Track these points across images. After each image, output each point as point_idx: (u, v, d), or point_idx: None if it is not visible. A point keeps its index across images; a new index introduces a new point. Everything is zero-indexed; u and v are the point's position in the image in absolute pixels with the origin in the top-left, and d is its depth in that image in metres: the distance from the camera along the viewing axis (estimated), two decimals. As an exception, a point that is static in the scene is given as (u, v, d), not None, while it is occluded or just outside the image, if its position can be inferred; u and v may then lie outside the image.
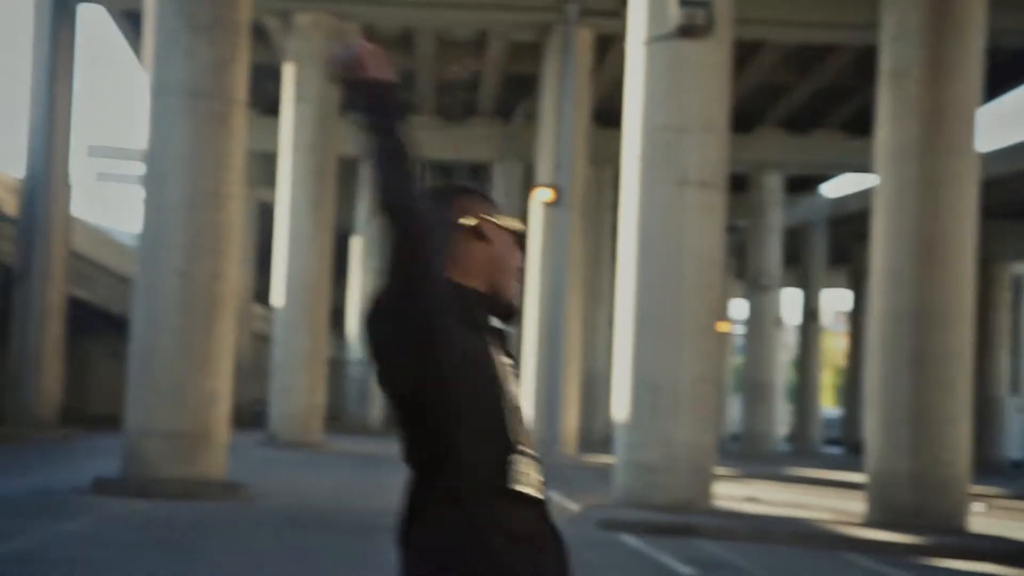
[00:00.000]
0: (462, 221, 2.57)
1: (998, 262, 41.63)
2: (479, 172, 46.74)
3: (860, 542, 14.65)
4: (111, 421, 30.30)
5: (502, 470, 2.43)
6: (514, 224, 2.67)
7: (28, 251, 28.19)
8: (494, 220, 2.62)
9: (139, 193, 16.62)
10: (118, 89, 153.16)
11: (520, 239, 2.67)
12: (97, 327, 40.34)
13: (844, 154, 38.72)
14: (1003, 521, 18.32)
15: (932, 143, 16.22)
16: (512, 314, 2.63)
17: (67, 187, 29.24)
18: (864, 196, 41.27)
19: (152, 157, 16.16)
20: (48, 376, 28.27)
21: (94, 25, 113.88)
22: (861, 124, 35.59)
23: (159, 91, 16.08)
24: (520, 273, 2.68)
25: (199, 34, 15.98)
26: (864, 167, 34.03)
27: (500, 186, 38.89)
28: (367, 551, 11.29)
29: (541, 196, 27.54)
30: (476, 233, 2.58)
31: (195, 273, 15.88)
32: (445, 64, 35.19)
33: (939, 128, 16.24)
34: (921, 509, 15.94)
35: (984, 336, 38.61)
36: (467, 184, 2.72)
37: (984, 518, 18.33)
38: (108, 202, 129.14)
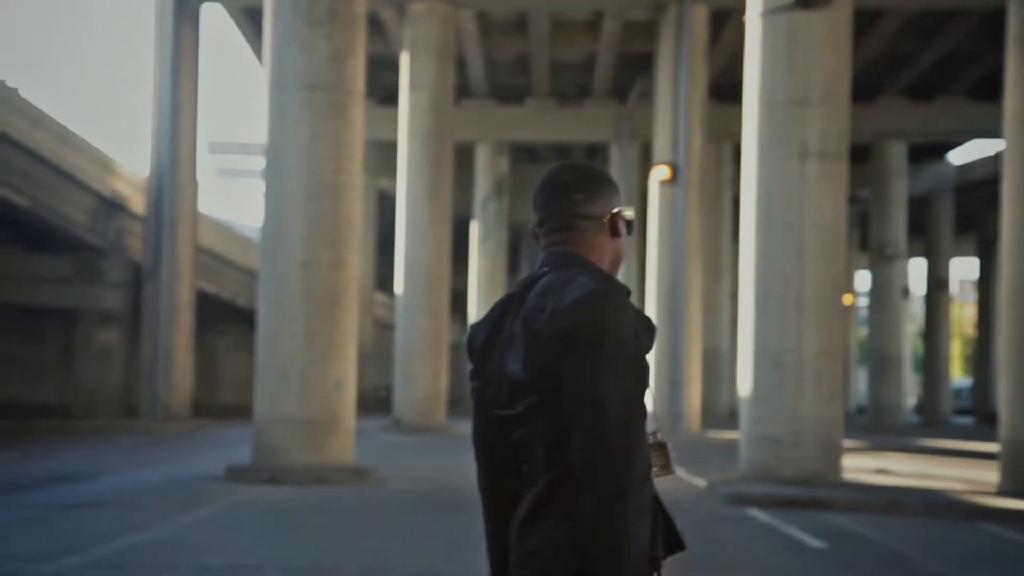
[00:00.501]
0: (613, 213, 2.65)
1: None
2: (597, 153, 46.69)
3: (994, 512, 14.37)
4: (241, 411, 31.01)
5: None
6: (632, 216, 2.72)
7: (157, 248, 28.89)
8: (625, 215, 2.67)
9: (260, 187, 16.92)
10: (238, 85, 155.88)
11: (631, 229, 2.72)
12: (225, 320, 41.25)
13: (970, 120, 37.84)
14: None
15: (1061, 105, 15.78)
16: None
17: (194, 184, 29.90)
18: (991, 162, 40.37)
19: (272, 150, 16.45)
20: (179, 369, 28.97)
21: (214, 23, 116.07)
22: (987, 89, 34.75)
23: (278, 86, 16.35)
24: None
25: (316, 28, 16.21)
26: (992, 132, 33.30)
27: (617, 166, 38.77)
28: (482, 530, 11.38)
29: (658, 175, 27.42)
30: (613, 226, 2.64)
31: (317, 263, 16.13)
32: (560, 46, 35.16)
33: (1068, 90, 15.77)
34: (1058, 477, 15.56)
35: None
36: (606, 172, 2.74)
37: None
38: (231, 197, 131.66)
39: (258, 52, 33.79)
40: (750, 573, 9.52)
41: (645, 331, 2.49)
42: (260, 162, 17.20)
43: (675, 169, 26.67)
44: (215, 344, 41.77)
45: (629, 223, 2.66)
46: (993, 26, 29.10)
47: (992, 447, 18.49)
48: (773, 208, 15.84)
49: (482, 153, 41.94)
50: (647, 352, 2.49)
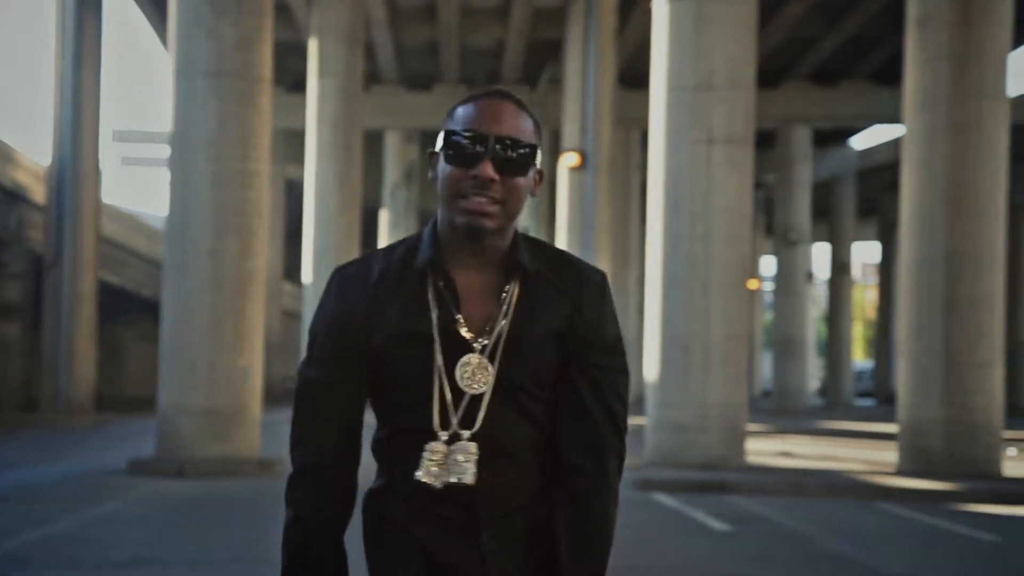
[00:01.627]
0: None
1: (1030, 208, 41.29)
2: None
3: (893, 491, 14.68)
4: (145, 404, 30.62)
5: None
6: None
7: (59, 238, 28.40)
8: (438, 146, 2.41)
9: (166, 175, 16.73)
10: (143, 73, 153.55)
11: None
12: (129, 311, 40.68)
13: (872, 105, 38.46)
14: (1039, 466, 18.29)
15: (961, 89, 16.10)
16: None
17: (96, 173, 29.41)
18: (893, 146, 41.08)
19: (178, 138, 16.25)
20: (81, 362, 28.51)
21: (118, 8, 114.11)
22: (889, 73, 35.37)
23: (184, 73, 16.15)
24: None
25: (223, 14, 16.03)
26: (893, 117, 33.86)
27: (525, 152, 38.79)
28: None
29: (568, 161, 27.53)
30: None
31: (224, 252, 15.99)
32: (469, 33, 35.13)
33: (968, 73, 16.11)
34: (953, 456, 15.94)
35: (1015, 281, 38.49)
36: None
37: (1017, 462, 18.32)
38: (136, 186, 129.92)
39: (163, 38, 33.35)
40: (654, 557, 9.62)
41: None
42: (166, 150, 16.99)
43: (584, 155, 26.79)
44: (120, 336, 41.19)
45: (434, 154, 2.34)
46: (895, 10, 29.59)
47: (892, 428, 18.87)
48: (680, 193, 15.98)
49: (391, 140, 41.79)
50: None
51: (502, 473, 2.25)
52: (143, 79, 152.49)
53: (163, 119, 16.66)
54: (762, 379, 58.55)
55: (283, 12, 31.56)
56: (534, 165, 2.26)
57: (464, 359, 2.23)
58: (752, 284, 42.73)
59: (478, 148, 2.20)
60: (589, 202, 26.99)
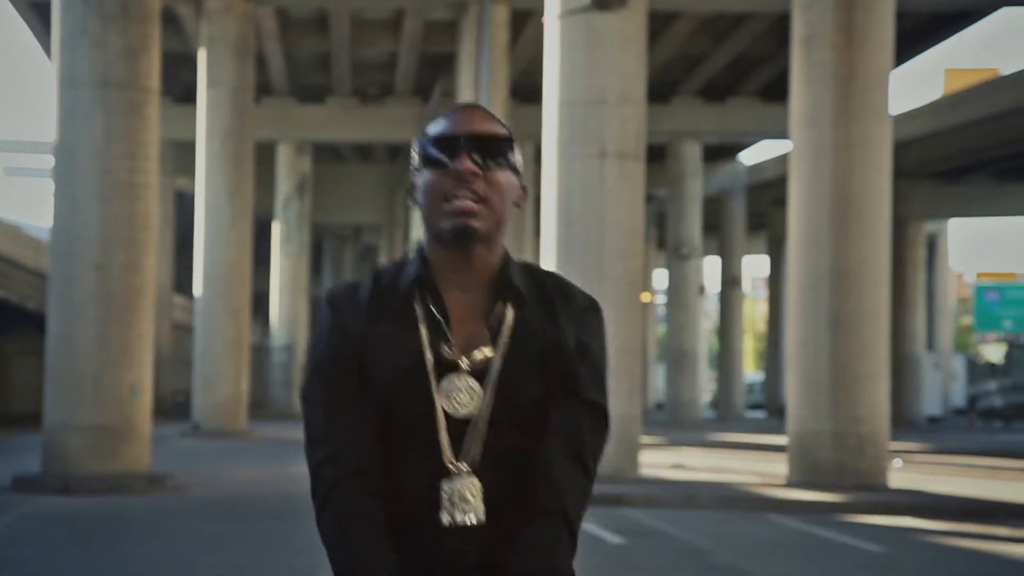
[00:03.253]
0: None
1: (912, 222, 42.27)
2: (400, 152, 46.62)
3: (784, 503, 14.89)
4: (32, 419, 29.94)
5: None
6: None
7: (-60, 249, 27.68)
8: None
9: (51, 186, 16.38)
10: (28, 82, 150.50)
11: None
12: (14, 325, 39.76)
13: (761, 121, 39.08)
14: (921, 476, 18.69)
15: (846, 107, 16.44)
16: None
17: (-23, 183, 28.74)
18: (781, 162, 41.77)
19: (62, 149, 15.94)
20: (-34, 375, 27.82)
21: (0, 17, 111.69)
22: (777, 90, 35.96)
23: (68, 82, 15.85)
24: None
25: (109, 23, 15.77)
26: (781, 133, 34.46)
27: (419, 166, 38.76)
28: (292, 536, 11.28)
29: (460, 174, 27.53)
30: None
31: (111, 265, 15.71)
32: (361, 45, 35.00)
33: (852, 92, 16.45)
34: (842, 467, 16.22)
35: (900, 295, 39.34)
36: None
37: (903, 473, 18.70)
38: (19, 198, 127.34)
39: (47, 47, 32.70)
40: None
41: None
42: (51, 161, 16.63)
43: (477, 169, 26.82)
44: (3, 350, 40.25)
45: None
46: (781, 29, 30.15)
47: (782, 440, 19.14)
48: (573, 207, 16.06)
49: (283, 152, 41.44)
50: None
51: (507, 509, 2.14)
52: (27, 87, 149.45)
53: (48, 128, 16.32)
54: (655, 391, 59.09)
55: (171, 22, 31.16)
56: (514, 163, 2.23)
57: (450, 380, 2.14)
58: (645, 297, 43.11)
59: (455, 147, 2.18)
60: (483, 216, 27.01)
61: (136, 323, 15.88)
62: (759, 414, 54.04)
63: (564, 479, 2.16)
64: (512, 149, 2.23)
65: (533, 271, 2.28)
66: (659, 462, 19.75)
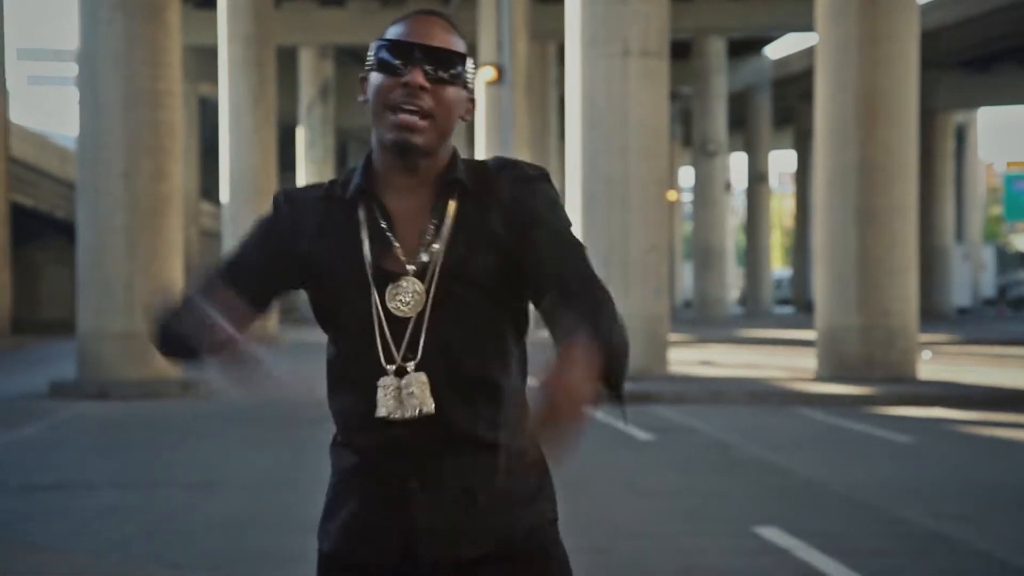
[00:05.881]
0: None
1: (940, 112, 41.86)
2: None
3: (812, 397, 14.97)
4: (64, 327, 30.25)
5: None
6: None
7: (-33, 160, 27.77)
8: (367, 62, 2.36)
9: (75, 95, 16.39)
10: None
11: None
12: (44, 234, 40.01)
13: (785, 14, 38.53)
14: (950, 367, 18.74)
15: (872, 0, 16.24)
16: None
17: (3, 92, 28.73)
18: (807, 55, 41.29)
19: (85, 57, 15.90)
20: (-4, 285, 28.07)
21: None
22: (801, -17, 35.41)
23: (88, -12, 15.76)
24: None
25: (127, -72, 15.64)
26: (807, 26, 33.98)
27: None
28: (320, 438, 11.41)
29: (484, 76, 27.34)
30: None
31: (138, 173, 15.75)
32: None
33: (879, -16, 16.21)
34: (871, 361, 16.27)
35: (928, 187, 39.09)
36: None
37: (932, 365, 18.75)
38: (46, 106, 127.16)
39: (66, -46, 32.49)
40: (581, 468, 9.75)
41: None
42: (74, 69, 16.63)
43: (500, 70, 26.61)
44: (34, 259, 40.55)
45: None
46: (807, -78, 29.56)
47: (810, 335, 19.18)
48: (596, 108, 15.97)
49: (305, 57, 41.23)
50: None
51: (455, 402, 2.17)
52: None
53: (71, 36, 16.29)
54: (683, 289, 59.16)
55: (190, -74, 30.85)
56: (465, 79, 2.22)
57: (395, 283, 2.17)
58: (671, 196, 42.97)
59: (408, 56, 2.18)
60: (507, 118, 26.87)
61: (164, 230, 15.96)
62: (787, 310, 54.08)
63: (578, 282, 2.17)
64: (464, 64, 2.21)
65: (481, 164, 2.27)
66: (688, 359, 19.85)
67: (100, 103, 15.75)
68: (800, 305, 49.04)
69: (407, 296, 2.17)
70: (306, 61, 41.18)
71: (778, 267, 70.57)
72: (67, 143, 38.86)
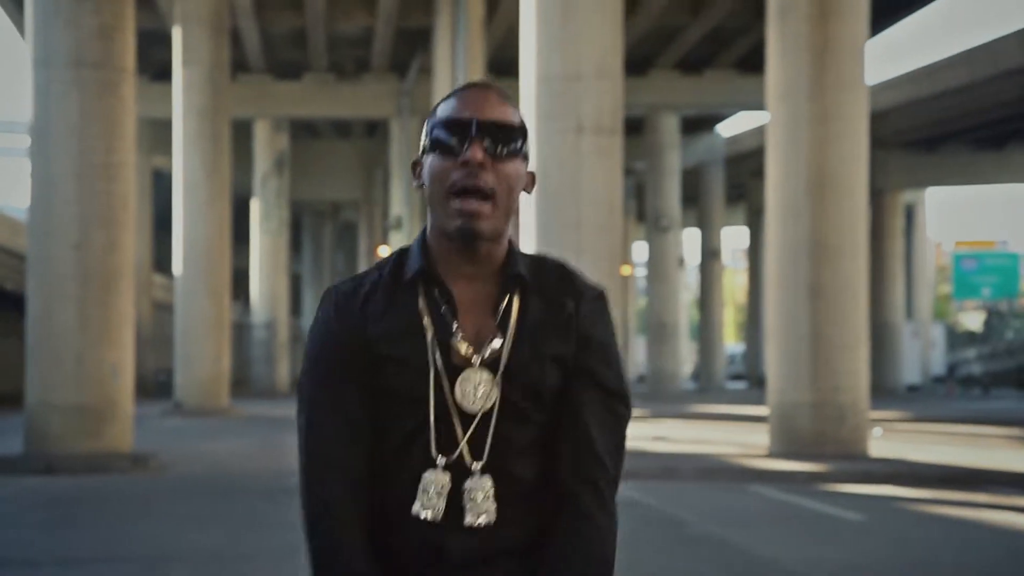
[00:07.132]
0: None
1: (890, 191, 42.44)
2: (377, 128, 46.49)
3: (765, 473, 14.98)
4: (12, 400, 29.85)
5: None
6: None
7: (-84, 231, 27.54)
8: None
9: (27, 167, 16.32)
10: (2, 61, 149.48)
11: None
12: (-7, 305, 39.56)
13: (738, 93, 39.11)
14: (901, 444, 18.82)
15: (821, 79, 16.49)
16: None
17: (-47, 163, 28.59)
18: (759, 133, 41.82)
19: (38, 129, 15.86)
20: (-55, 357, 27.73)
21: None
22: (754, 62, 35.96)
23: (42, 62, 15.76)
24: None
25: (82, 2, 15.68)
26: (758, 104, 34.46)
27: (398, 142, 38.70)
28: (275, 514, 11.31)
29: (438, 149, 27.49)
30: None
31: (90, 245, 15.67)
32: (337, 21, 34.85)
33: (828, 64, 16.50)
34: (822, 437, 16.33)
35: (879, 264, 39.56)
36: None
37: (883, 442, 18.83)
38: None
39: (21, 27, 32.47)
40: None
41: None
42: (26, 140, 16.57)
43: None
44: (-17, 330, 40.07)
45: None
46: (757, 1, 30.11)
47: (763, 411, 19.24)
48: (550, 182, 16.05)
49: (260, 129, 41.31)
50: None
51: (516, 510, 2.08)
52: (1, 67, 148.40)
53: (24, 108, 16.22)
54: (637, 364, 59.28)
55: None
56: (525, 151, 2.11)
57: (465, 375, 2.05)
58: (625, 270, 43.18)
59: (464, 133, 2.06)
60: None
61: (116, 303, 15.85)
62: (740, 385, 54.26)
63: (590, 463, 2.17)
64: (524, 137, 2.11)
65: (538, 260, 2.19)
66: (641, 434, 19.83)
67: (52, 175, 15.70)
68: (753, 380, 49.23)
69: (478, 389, 2.06)
70: (261, 133, 41.26)
71: (731, 342, 70.93)
72: (17, 214, 38.60)
